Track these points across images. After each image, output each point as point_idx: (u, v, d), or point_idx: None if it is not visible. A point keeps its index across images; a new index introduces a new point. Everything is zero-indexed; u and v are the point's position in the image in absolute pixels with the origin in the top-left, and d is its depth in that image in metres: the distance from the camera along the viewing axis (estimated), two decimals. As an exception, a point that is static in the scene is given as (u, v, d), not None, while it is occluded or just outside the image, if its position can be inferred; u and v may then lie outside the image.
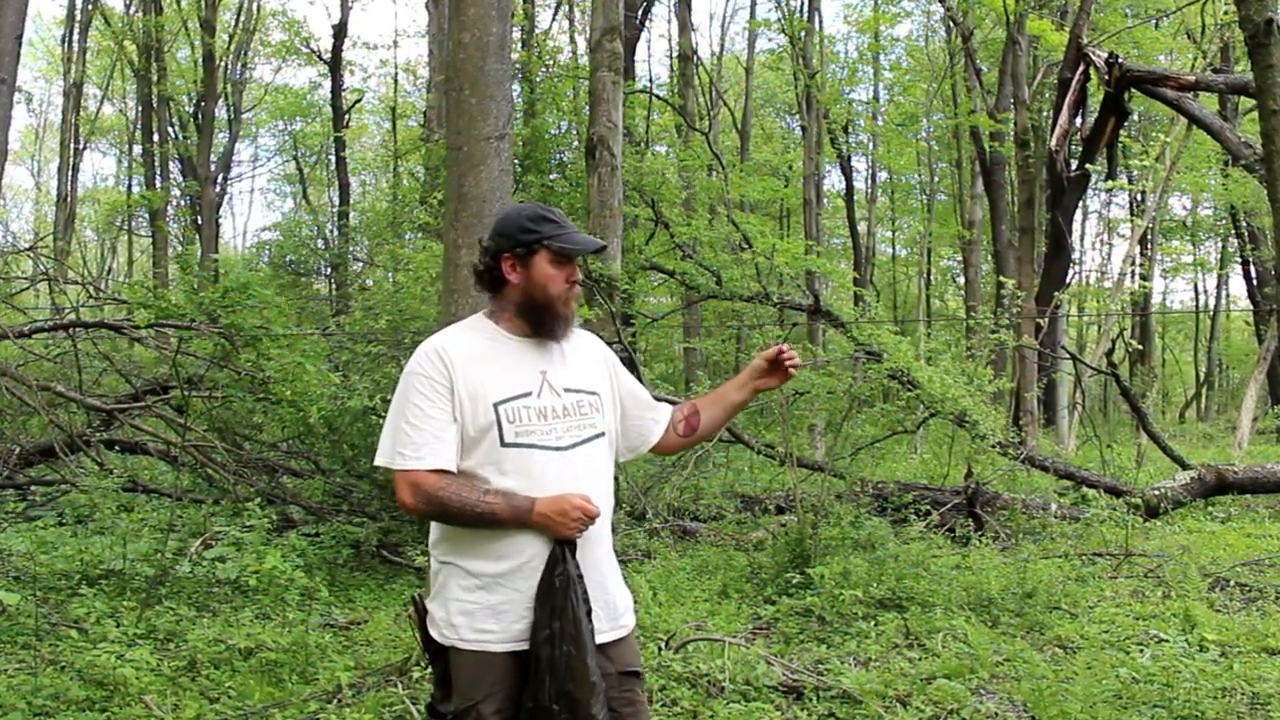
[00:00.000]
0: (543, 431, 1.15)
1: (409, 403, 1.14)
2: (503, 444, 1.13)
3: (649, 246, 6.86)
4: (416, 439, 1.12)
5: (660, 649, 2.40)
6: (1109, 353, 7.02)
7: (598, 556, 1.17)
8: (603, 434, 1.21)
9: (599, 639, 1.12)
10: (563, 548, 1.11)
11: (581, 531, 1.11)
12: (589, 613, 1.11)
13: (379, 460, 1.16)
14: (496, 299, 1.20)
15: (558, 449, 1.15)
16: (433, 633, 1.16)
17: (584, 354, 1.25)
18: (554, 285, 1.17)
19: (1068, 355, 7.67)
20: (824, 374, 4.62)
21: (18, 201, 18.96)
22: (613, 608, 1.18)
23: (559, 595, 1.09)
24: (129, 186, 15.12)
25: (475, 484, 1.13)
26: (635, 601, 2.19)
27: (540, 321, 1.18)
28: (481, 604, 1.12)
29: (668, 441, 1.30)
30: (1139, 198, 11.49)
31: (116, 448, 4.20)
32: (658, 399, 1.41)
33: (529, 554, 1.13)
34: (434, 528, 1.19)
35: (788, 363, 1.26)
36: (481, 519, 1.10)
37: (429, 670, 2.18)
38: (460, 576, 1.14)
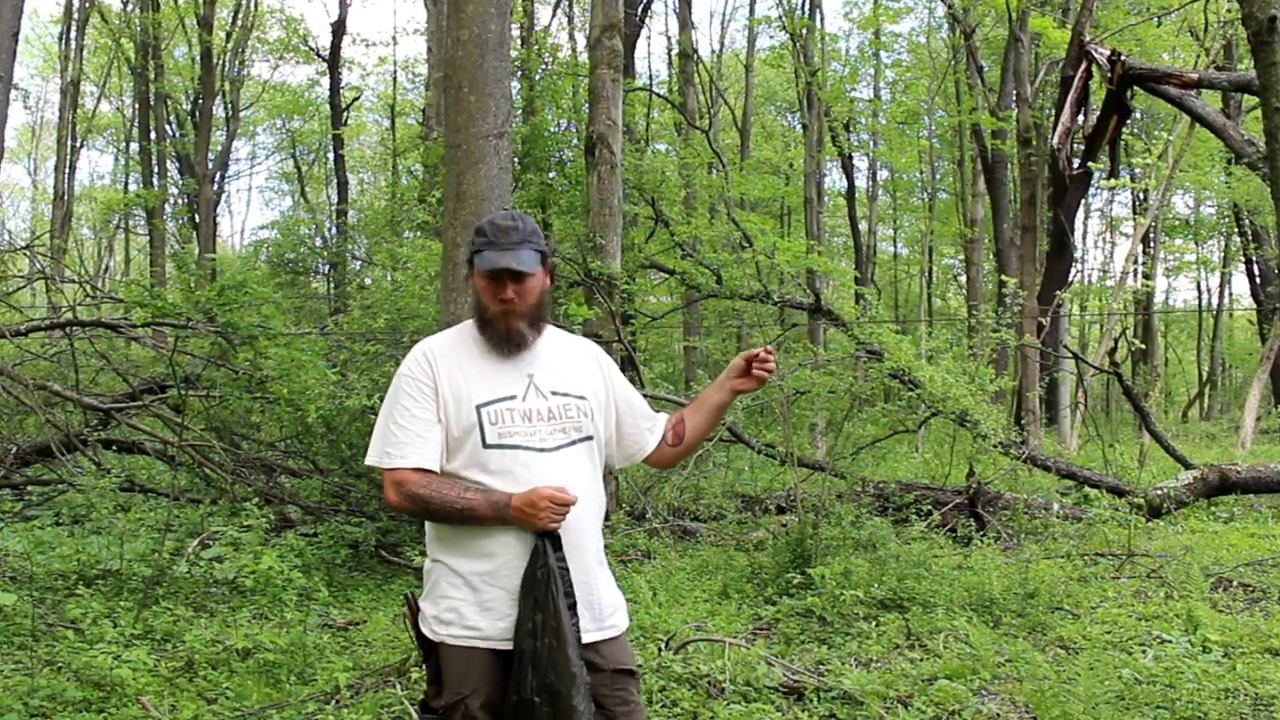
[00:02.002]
0: (526, 433, 1.16)
1: (397, 404, 1.17)
2: (485, 445, 1.15)
3: (649, 245, 6.84)
4: (402, 439, 1.15)
5: (660, 649, 2.39)
6: (1111, 352, 7.00)
7: (584, 558, 1.17)
8: (590, 438, 1.21)
9: (585, 638, 1.12)
10: (544, 541, 1.11)
11: (557, 522, 1.11)
12: (571, 606, 1.11)
13: (369, 460, 1.19)
14: None
15: (541, 450, 1.16)
16: (424, 629, 1.17)
17: (575, 358, 1.25)
18: (485, 299, 1.17)
19: (1070, 354, 7.65)
20: (825, 373, 4.60)
21: (14, 199, 19.00)
22: (598, 608, 1.18)
23: (540, 588, 1.10)
24: (126, 184, 15.08)
25: (457, 482, 1.14)
26: (635, 602, 2.13)
27: (486, 334, 1.18)
28: (469, 601, 1.14)
29: (660, 453, 1.31)
30: (1141, 196, 11.46)
31: (113, 447, 4.18)
32: (654, 399, 1.41)
33: (513, 552, 1.14)
34: (427, 527, 1.20)
35: (755, 368, 1.25)
36: (461, 515, 1.12)
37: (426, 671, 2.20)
38: (449, 575, 1.16)
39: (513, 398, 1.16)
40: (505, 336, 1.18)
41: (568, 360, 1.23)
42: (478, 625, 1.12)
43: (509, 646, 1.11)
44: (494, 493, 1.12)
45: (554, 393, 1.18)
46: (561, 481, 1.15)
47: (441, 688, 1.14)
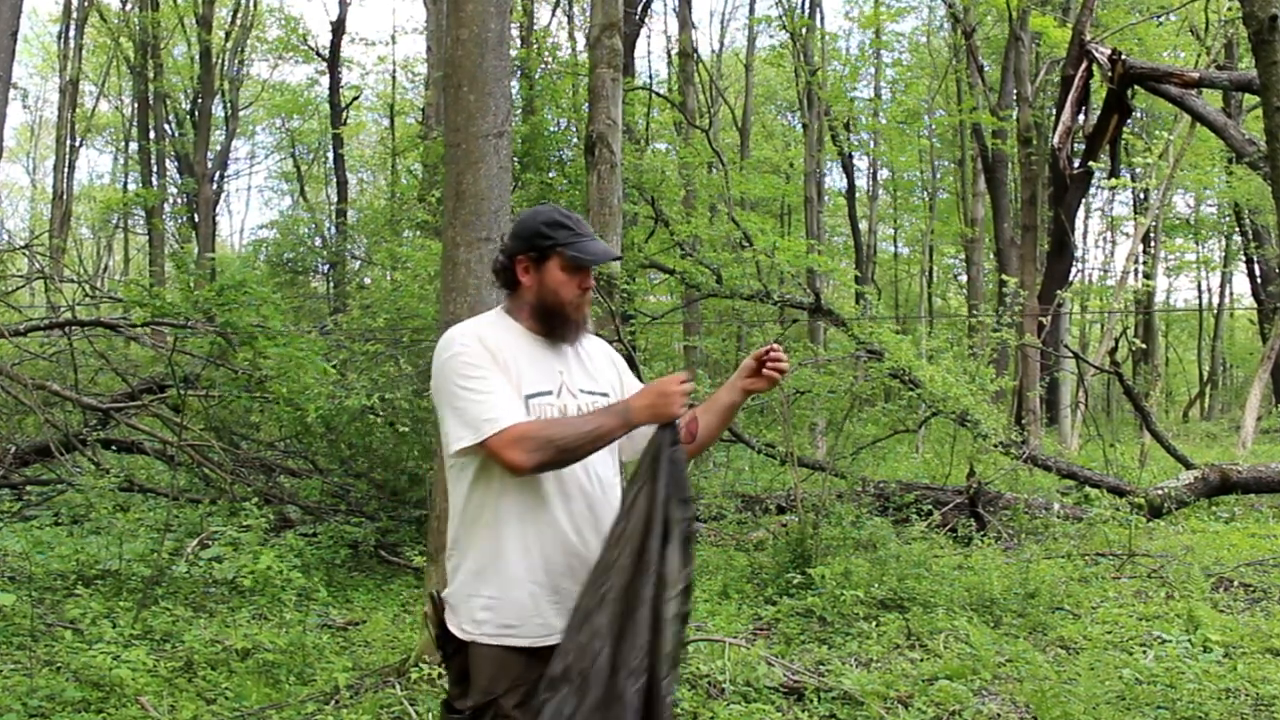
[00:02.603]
0: None
1: (467, 378, 1.12)
2: None
3: (649, 244, 6.82)
4: (494, 402, 1.10)
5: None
6: (1112, 351, 6.98)
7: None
8: None
9: None
10: (664, 432, 1.11)
11: (685, 403, 1.13)
12: (685, 500, 1.09)
13: (462, 444, 1.10)
14: (513, 297, 1.22)
15: None
16: (453, 629, 1.14)
17: (594, 356, 1.27)
18: (566, 291, 1.18)
19: (1070, 354, 7.64)
20: (825, 373, 4.59)
21: (13, 199, 18.98)
22: None
23: (650, 478, 1.08)
24: (125, 184, 15.03)
25: (565, 417, 1.13)
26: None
27: (552, 325, 1.20)
28: (503, 600, 1.12)
29: None
30: (1142, 195, 11.44)
31: (113, 447, 4.18)
32: None
33: (553, 547, 1.13)
34: (453, 525, 1.17)
35: (768, 366, 1.25)
36: (594, 439, 1.11)
37: (425, 671, 2.21)
38: (480, 573, 1.13)
39: (549, 393, 1.17)
40: (578, 325, 1.20)
41: (589, 357, 1.25)
42: (513, 624, 1.10)
43: (545, 644, 1.10)
44: (610, 406, 1.13)
45: (581, 390, 1.19)
46: (590, 476, 1.16)
47: (468, 688, 1.12)
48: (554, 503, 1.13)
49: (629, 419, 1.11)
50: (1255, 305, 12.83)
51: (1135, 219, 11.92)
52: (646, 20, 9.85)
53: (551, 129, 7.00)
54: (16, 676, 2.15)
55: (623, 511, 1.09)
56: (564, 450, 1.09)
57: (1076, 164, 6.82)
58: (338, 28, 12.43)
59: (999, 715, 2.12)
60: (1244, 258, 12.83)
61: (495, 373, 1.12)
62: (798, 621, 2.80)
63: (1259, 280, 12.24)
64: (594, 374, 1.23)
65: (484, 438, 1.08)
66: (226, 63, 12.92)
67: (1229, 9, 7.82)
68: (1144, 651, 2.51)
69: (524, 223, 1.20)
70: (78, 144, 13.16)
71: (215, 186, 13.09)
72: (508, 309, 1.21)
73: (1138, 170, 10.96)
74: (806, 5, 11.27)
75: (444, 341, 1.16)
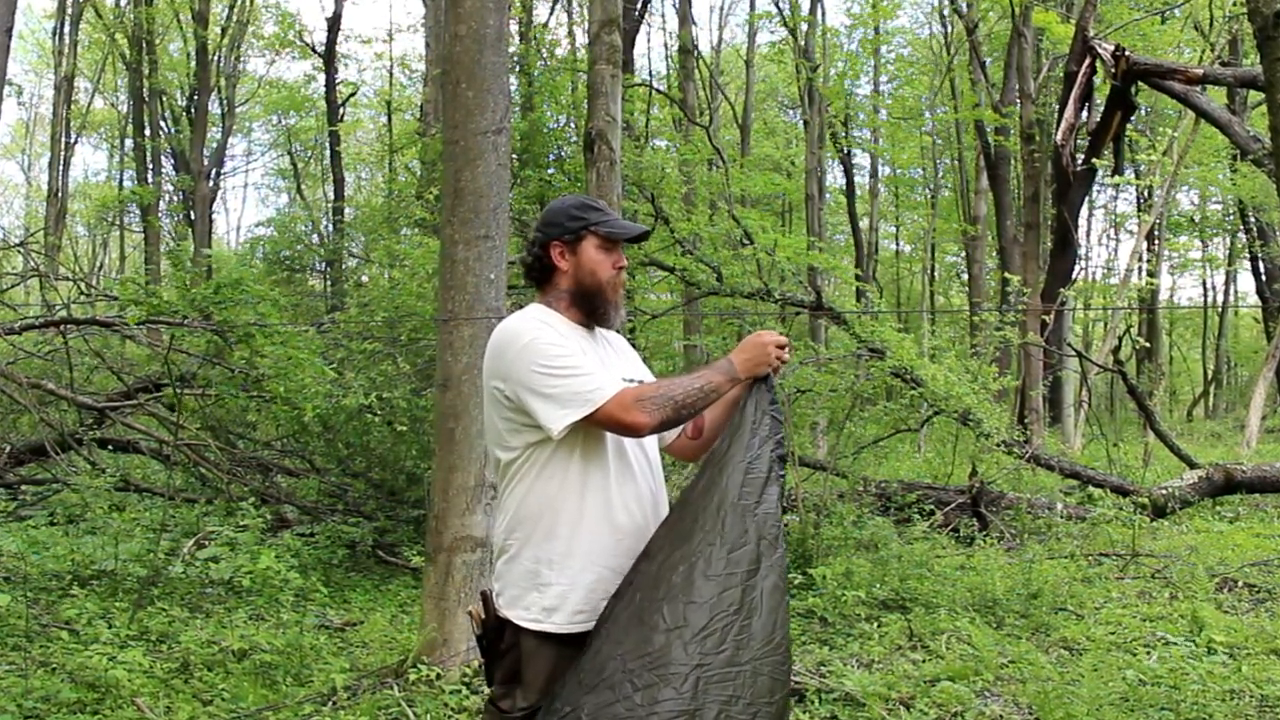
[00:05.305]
0: None
1: (552, 358, 1.11)
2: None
3: (648, 242, 6.78)
4: (592, 373, 1.11)
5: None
6: (1116, 350, 6.96)
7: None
8: None
9: None
10: (758, 384, 1.15)
11: (781, 356, 1.16)
12: (781, 459, 1.11)
13: (570, 420, 1.08)
14: (548, 290, 1.21)
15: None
16: (516, 619, 1.11)
17: (622, 345, 1.28)
18: (602, 270, 1.19)
19: (1074, 352, 7.61)
20: (826, 371, 4.57)
21: (8, 196, 18.95)
22: None
23: (745, 425, 1.10)
24: (120, 181, 14.99)
25: (669, 377, 1.17)
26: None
27: (593, 308, 1.20)
28: (574, 585, 1.10)
29: (680, 445, 1.29)
30: (1146, 193, 11.39)
31: (108, 446, 4.16)
32: None
33: (616, 529, 1.12)
34: (506, 512, 1.14)
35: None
36: (706, 395, 1.13)
37: (424, 672, 2.19)
38: (549, 561, 1.11)
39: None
40: (617, 306, 1.20)
41: (619, 346, 1.26)
42: (582, 609, 1.09)
43: None
44: (712, 364, 1.16)
45: (624, 379, 1.19)
46: (645, 457, 1.17)
47: (516, 687, 1.09)
48: (622, 485, 1.13)
49: (732, 373, 1.13)
50: (1260, 303, 12.79)
51: (1139, 216, 11.88)
52: (646, 16, 9.79)
53: (550, 126, 6.96)
54: (12, 678, 2.14)
55: (716, 458, 1.11)
56: (682, 406, 1.10)
57: (1080, 161, 6.78)
58: (334, 24, 12.37)
59: (1001, 716, 2.11)
60: (1248, 255, 12.77)
61: (576, 349, 1.12)
62: (799, 622, 2.79)
63: (1263, 278, 12.20)
64: (629, 361, 1.24)
65: (597, 406, 1.07)
66: (222, 59, 12.86)
67: (1233, 5, 7.77)
68: (1148, 652, 2.50)
69: (552, 211, 1.21)
70: (73, 141, 13.08)
71: (211, 184, 13.03)
72: (545, 303, 1.20)
73: (1141, 167, 10.90)
74: (808, 1, 11.21)
75: (507, 335, 1.13)
